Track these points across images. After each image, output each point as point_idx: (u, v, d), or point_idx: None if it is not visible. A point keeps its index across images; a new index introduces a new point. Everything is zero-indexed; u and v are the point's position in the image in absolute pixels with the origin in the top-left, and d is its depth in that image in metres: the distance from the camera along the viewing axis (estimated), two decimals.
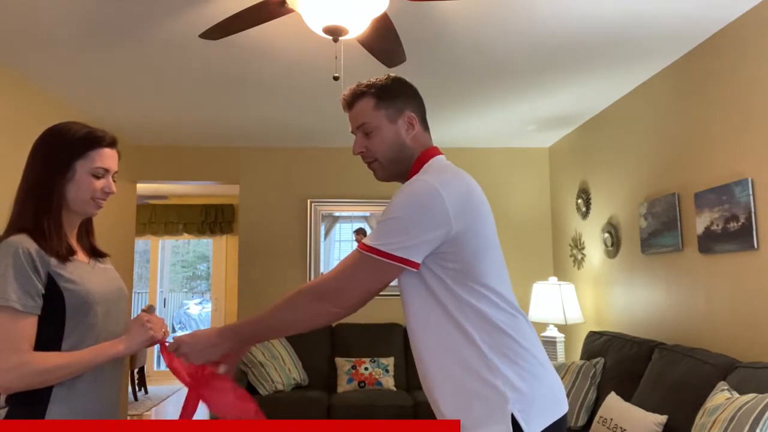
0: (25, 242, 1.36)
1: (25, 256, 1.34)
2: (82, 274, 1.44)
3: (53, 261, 1.38)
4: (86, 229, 1.58)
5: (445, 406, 1.39)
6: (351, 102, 1.56)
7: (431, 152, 1.54)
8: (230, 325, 1.45)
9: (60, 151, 1.45)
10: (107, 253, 1.62)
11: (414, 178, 1.44)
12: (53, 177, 1.43)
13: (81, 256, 1.50)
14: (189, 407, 1.48)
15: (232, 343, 1.44)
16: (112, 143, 1.51)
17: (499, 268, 1.44)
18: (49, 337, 1.37)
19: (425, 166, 1.50)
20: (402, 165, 1.53)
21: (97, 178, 1.47)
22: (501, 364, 1.35)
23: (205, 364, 1.48)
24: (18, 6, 2.67)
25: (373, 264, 1.36)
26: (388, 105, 1.52)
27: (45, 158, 1.45)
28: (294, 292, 1.41)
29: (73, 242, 1.51)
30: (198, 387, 1.48)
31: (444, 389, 1.39)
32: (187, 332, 1.47)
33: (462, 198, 1.39)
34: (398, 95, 1.54)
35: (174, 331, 10.07)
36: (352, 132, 1.57)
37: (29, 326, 1.33)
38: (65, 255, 1.41)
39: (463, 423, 1.35)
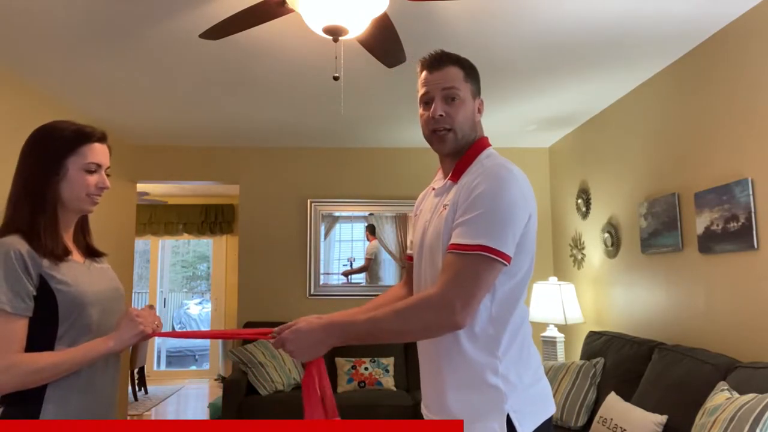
0: (16, 243, 1.35)
1: (16, 257, 1.34)
2: (76, 274, 1.43)
3: (45, 262, 1.37)
4: (82, 229, 1.57)
5: (443, 400, 1.41)
6: (440, 63, 1.50)
7: (487, 141, 1.55)
8: (336, 322, 1.37)
9: (50, 150, 1.44)
10: (104, 253, 1.61)
11: (488, 164, 1.43)
12: (46, 176, 1.43)
13: (76, 256, 1.50)
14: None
15: (338, 340, 1.36)
16: (101, 138, 1.51)
17: (531, 268, 1.45)
18: (42, 339, 1.37)
19: (486, 152, 1.50)
20: (466, 142, 1.51)
21: (90, 173, 1.47)
22: (507, 364, 1.38)
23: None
24: (18, 6, 2.67)
25: (488, 262, 1.32)
26: (473, 82, 1.53)
27: (36, 158, 1.45)
28: (418, 299, 1.34)
29: (69, 242, 1.50)
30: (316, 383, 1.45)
31: (447, 385, 1.41)
32: (289, 329, 1.38)
33: (529, 186, 1.42)
34: (477, 77, 1.56)
35: (174, 330, 10.07)
36: (428, 93, 1.50)
37: (20, 328, 1.33)
38: (60, 255, 1.41)
39: (462, 416, 1.38)
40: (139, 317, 1.43)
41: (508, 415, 1.34)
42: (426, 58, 1.53)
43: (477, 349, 1.38)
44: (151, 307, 1.51)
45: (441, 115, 1.47)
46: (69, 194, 1.45)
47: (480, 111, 1.55)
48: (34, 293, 1.35)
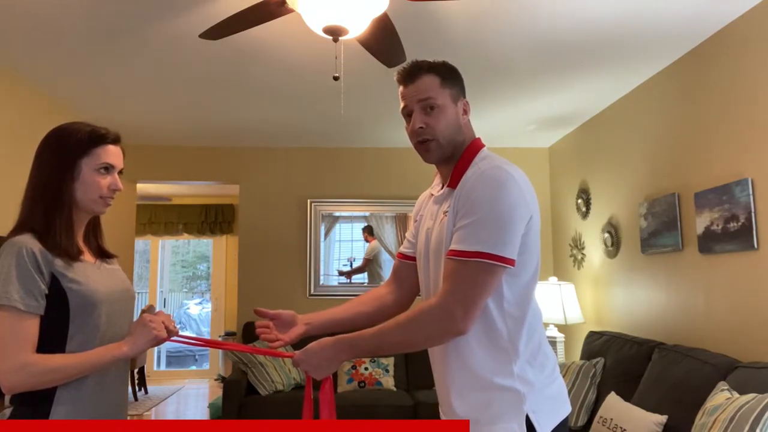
0: (29, 242, 1.36)
1: (29, 256, 1.34)
2: (88, 274, 1.44)
3: (58, 261, 1.38)
4: (94, 230, 1.58)
5: (461, 404, 1.41)
6: (414, 75, 1.48)
7: (480, 142, 1.53)
8: (345, 338, 1.39)
9: (65, 151, 1.45)
10: (115, 254, 1.62)
11: (483, 167, 1.41)
12: (60, 177, 1.44)
13: (87, 256, 1.50)
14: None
15: (348, 355, 1.40)
16: (115, 140, 1.52)
17: (538, 268, 1.45)
18: (53, 338, 1.37)
19: (481, 153, 1.48)
20: (454, 148, 1.49)
21: (103, 175, 1.47)
22: (522, 365, 1.38)
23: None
24: (18, 6, 2.67)
25: (486, 268, 1.32)
26: (452, 86, 1.50)
27: (51, 159, 1.46)
28: (419, 311, 1.35)
29: (80, 242, 1.51)
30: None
31: (464, 388, 1.41)
32: (300, 350, 1.42)
33: (529, 186, 1.41)
34: (458, 79, 1.53)
35: None
36: (406, 107, 1.50)
37: (32, 326, 1.33)
38: (74, 255, 1.42)
39: (480, 417, 1.37)
40: (152, 322, 1.42)
41: (527, 416, 1.34)
42: (400, 71, 1.51)
43: (491, 351, 1.38)
44: (151, 306, 1.51)
45: (421, 127, 1.47)
46: (82, 195, 1.46)
47: (466, 112, 1.52)
48: (46, 292, 1.36)
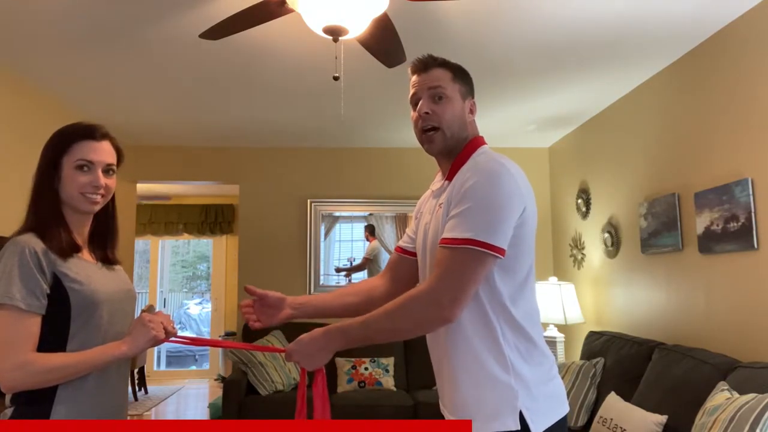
0: (31, 242, 1.37)
1: (31, 255, 1.35)
2: (89, 274, 1.44)
3: (59, 261, 1.39)
4: (104, 235, 1.57)
5: (457, 398, 1.41)
6: (427, 65, 1.53)
7: (482, 140, 1.56)
8: (335, 327, 1.40)
9: (51, 150, 1.47)
10: (119, 261, 1.62)
11: (480, 160, 1.44)
12: (48, 176, 1.45)
13: (87, 255, 1.50)
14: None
15: (339, 344, 1.39)
16: (99, 136, 1.48)
17: (533, 265, 1.45)
18: (54, 337, 1.37)
19: (480, 149, 1.51)
20: (457, 142, 1.51)
21: (82, 171, 1.45)
22: (517, 362, 1.38)
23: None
24: (18, 6, 2.67)
25: (476, 256, 1.32)
26: (463, 83, 1.54)
27: (42, 159, 1.48)
28: (407, 298, 1.35)
29: (80, 241, 1.50)
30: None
31: (460, 383, 1.41)
32: (293, 341, 1.42)
33: (525, 181, 1.42)
34: (469, 79, 1.57)
35: None
36: (416, 94, 1.53)
37: (33, 325, 1.34)
38: (68, 251, 1.42)
39: (476, 413, 1.38)
40: (151, 322, 1.42)
41: (521, 413, 1.34)
42: (415, 61, 1.56)
43: (487, 347, 1.38)
44: (151, 307, 1.51)
45: (427, 113, 1.49)
46: (65, 193, 1.46)
47: (472, 112, 1.56)
48: (48, 291, 1.36)
